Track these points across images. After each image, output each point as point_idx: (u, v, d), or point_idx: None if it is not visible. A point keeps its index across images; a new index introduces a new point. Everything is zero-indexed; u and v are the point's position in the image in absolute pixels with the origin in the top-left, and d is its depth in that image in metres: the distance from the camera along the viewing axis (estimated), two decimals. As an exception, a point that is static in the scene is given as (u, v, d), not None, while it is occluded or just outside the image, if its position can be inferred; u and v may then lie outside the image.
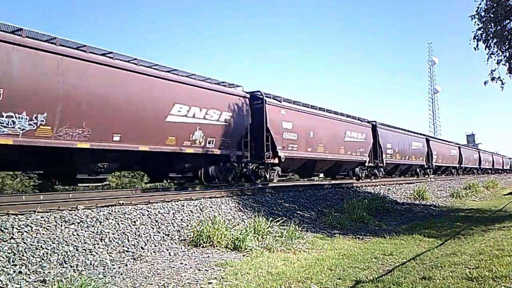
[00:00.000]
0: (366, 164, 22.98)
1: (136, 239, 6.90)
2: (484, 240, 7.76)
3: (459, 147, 43.76)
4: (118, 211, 7.63)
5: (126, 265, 5.90)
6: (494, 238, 7.84)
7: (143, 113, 11.01)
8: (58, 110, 9.07)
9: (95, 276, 5.10)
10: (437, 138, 39.24)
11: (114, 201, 8.43)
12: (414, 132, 32.16)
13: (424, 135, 34.18)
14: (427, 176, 32.72)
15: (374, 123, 24.92)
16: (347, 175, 22.82)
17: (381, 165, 24.49)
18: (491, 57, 12.26)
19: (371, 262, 6.53)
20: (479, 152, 53.79)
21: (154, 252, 6.64)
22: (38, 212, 6.86)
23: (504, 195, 22.02)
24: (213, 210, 9.28)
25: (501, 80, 12.52)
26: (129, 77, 10.74)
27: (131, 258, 6.18)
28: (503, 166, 69.01)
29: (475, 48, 12.47)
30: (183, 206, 8.91)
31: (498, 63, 12.37)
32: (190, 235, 7.41)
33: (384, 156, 24.78)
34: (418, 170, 32.36)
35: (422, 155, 31.98)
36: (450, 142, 43.99)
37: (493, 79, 12.58)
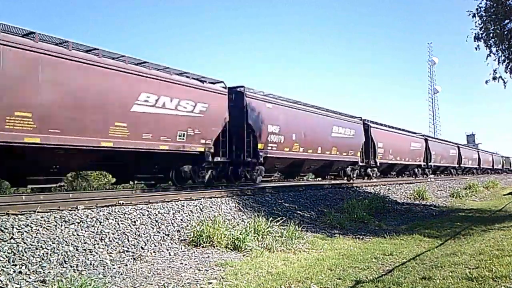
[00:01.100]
0: (208, 159, 12.95)
1: (136, 239, 6.90)
2: (484, 240, 7.76)
3: (426, 139, 33.08)
4: (118, 211, 7.63)
5: (126, 265, 5.90)
6: (494, 238, 7.84)
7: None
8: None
9: (95, 276, 5.10)
10: (385, 125, 26.66)
11: (114, 201, 8.43)
12: (338, 113, 21.37)
13: (360, 119, 23.43)
14: (367, 178, 23.70)
15: (241, 89, 14.31)
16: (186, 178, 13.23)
17: (255, 160, 14.35)
18: (490, 56, 12.28)
19: (371, 262, 6.53)
20: (458, 147, 42.46)
21: (154, 252, 6.64)
22: (38, 212, 6.86)
23: (504, 195, 22.03)
24: (213, 210, 9.29)
25: (503, 79, 12.55)
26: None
27: (131, 258, 6.18)
28: (493, 165, 58.38)
29: (476, 48, 12.49)
30: (183, 206, 8.92)
31: (499, 62, 12.39)
32: (190, 235, 7.41)
33: (268, 146, 15.05)
34: (349, 169, 21.98)
35: (355, 148, 21.81)
36: (411, 132, 31.98)
37: (494, 78, 12.61)
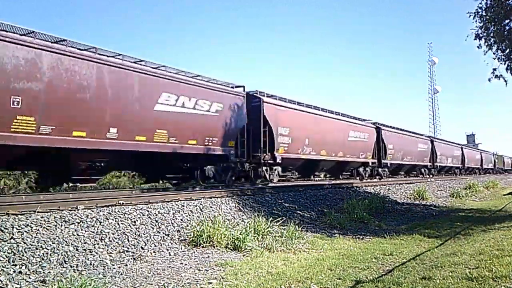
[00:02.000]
0: None
1: (136, 239, 6.90)
2: (484, 240, 7.76)
3: (379, 129, 24.21)
4: (118, 211, 7.63)
5: (126, 265, 5.90)
6: (494, 238, 7.84)
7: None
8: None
9: (95, 276, 5.10)
10: (298, 103, 17.99)
11: (114, 201, 8.44)
12: (182, 73, 12.68)
13: (244, 88, 14.89)
14: (261, 180, 15.61)
15: None
16: None
17: None
18: (489, 51, 12.32)
19: (371, 262, 6.52)
20: (432, 141, 33.60)
21: (154, 252, 6.64)
22: (38, 212, 6.86)
23: (504, 195, 22.01)
24: (213, 210, 9.29)
25: (504, 78, 12.61)
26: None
27: (131, 258, 6.18)
28: (482, 164, 49.32)
29: (478, 47, 12.52)
30: (183, 206, 8.92)
31: (499, 61, 12.42)
32: (190, 235, 7.42)
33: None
34: (210, 168, 13.33)
35: (222, 134, 13.47)
36: (352, 118, 22.33)
37: (496, 76, 12.65)
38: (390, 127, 26.82)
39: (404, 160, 27.63)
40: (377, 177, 24.12)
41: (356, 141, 21.69)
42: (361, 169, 22.90)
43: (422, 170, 31.97)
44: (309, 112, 18.42)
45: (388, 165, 25.10)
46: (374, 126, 24.36)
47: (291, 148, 16.42)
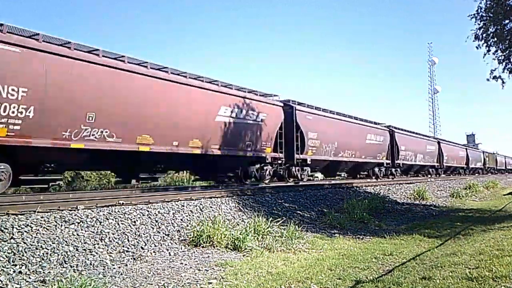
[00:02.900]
0: None
1: (136, 239, 6.90)
2: (484, 240, 7.76)
3: (290, 108, 16.89)
4: (118, 211, 7.63)
5: (126, 265, 5.90)
6: (494, 238, 7.84)
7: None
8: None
9: (95, 276, 5.10)
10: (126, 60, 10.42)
11: (114, 201, 8.43)
12: None
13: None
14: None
15: None
16: None
17: None
18: (488, 54, 12.39)
19: (371, 262, 6.53)
20: (391, 132, 25.95)
21: (154, 252, 6.64)
22: (38, 212, 6.86)
23: (504, 195, 22.02)
24: (213, 210, 9.29)
25: (502, 79, 12.64)
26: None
27: (131, 258, 6.18)
28: (468, 163, 41.97)
29: (477, 47, 12.55)
30: (183, 206, 8.92)
31: (498, 62, 12.44)
32: (190, 235, 7.42)
33: None
34: None
35: None
36: (245, 91, 14.95)
37: (494, 77, 12.68)
38: (314, 107, 18.85)
39: (341, 156, 20.00)
40: (291, 179, 17.13)
41: (238, 124, 14.08)
42: (253, 168, 15.24)
43: (376, 169, 24.02)
44: (123, 70, 10.38)
45: (309, 161, 17.53)
46: (281, 104, 16.65)
47: (95, 130, 9.42)
